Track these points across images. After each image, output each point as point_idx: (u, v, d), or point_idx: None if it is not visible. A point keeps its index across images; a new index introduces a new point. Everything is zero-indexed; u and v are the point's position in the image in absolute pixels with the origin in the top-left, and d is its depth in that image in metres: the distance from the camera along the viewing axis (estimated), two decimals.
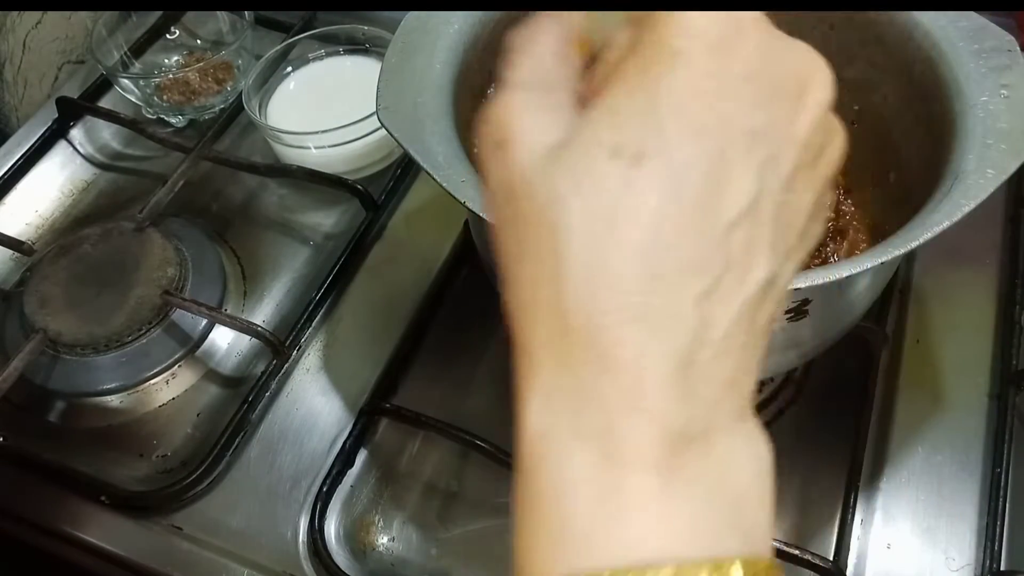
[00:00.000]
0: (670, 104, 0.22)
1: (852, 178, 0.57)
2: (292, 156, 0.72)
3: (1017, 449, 0.55)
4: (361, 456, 0.58)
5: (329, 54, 0.78)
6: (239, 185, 0.75)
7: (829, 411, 0.57)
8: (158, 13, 0.84)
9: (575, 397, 0.22)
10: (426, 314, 0.64)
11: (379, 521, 0.56)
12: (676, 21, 0.22)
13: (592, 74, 0.25)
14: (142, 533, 0.56)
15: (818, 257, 0.55)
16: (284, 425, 0.60)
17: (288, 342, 0.62)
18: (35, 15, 0.83)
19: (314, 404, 0.61)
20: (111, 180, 0.77)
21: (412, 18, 0.53)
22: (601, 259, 0.22)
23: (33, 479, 0.58)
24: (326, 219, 0.72)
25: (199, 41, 0.84)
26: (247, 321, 0.63)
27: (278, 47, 0.76)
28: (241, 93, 0.72)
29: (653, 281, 0.22)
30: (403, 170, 0.73)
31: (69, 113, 0.80)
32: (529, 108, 0.24)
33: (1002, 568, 0.51)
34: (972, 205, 0.41)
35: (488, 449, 0.56)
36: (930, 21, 0.50)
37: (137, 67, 0.82)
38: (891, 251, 0.40)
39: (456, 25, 0.54)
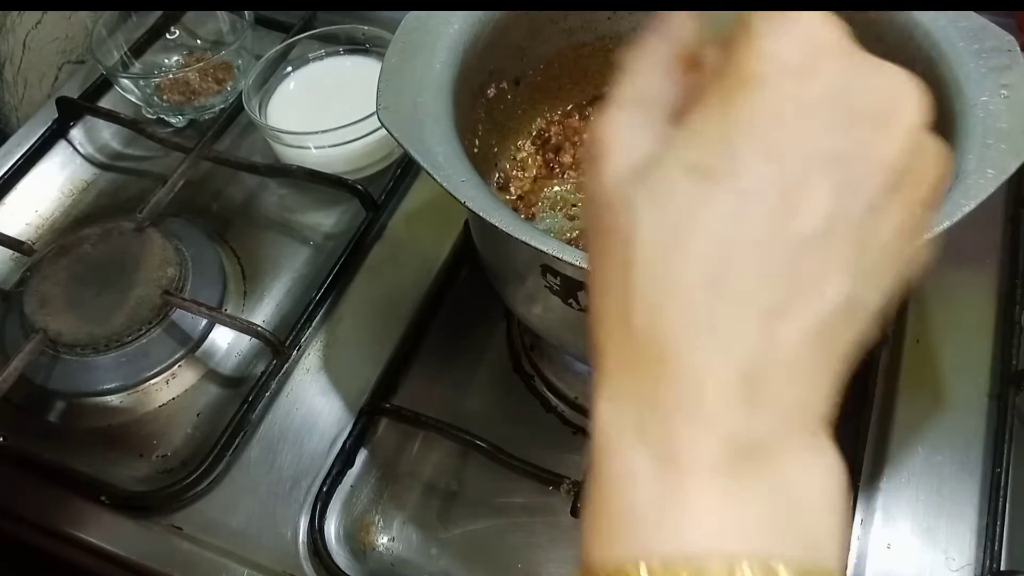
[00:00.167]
0: (745, 127, 0.23)
1: None
2: (292, 156, 0.72)
3: (1017, 449, 0.55)
4: (361, 456, 0.58)
5: (329, 54, 0.78)
6: (239, 185, 0.75)
7: None
8: (158, 13, 0.84)
9: (638, 401, 0.23)
10: (426, 314, 0.64)
11: (379, 521, 0.56)
12: (756, 46, 0.23)
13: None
14: (142, 533, 0.56)
15: None
16: (284, 425, 0.60)
17: (288, 342, 0.62)
18: (35, 15, 0.83)
19: (314, 404, 0.61)
20: (111, 180, 0.77)
21: (412, 18, 0.53)
22: (665, 269, 0.23)
23: (33, 479, 0.58)
24: (326, 219, 0.72)
25: (199, 41, 0.84)
26: (247, 321, 0.63)
27: (278, 47, 0.76)
28: (241, 93, 0.72)
29: (716, 294, 0.22)
30: (403, 170, 0.73)
31: (69, 113, 0.80)
32: (625, 126, 0.26)
33: (1002, 568, 0.51)
34: (972, 205, 0.41)
35: (488, 449, 0.56)
36: (930, 21, 0.50)
37: (137, 67, 0.82)
38: None
39: (456, 25, 0.54)
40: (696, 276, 0.22)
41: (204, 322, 0.64)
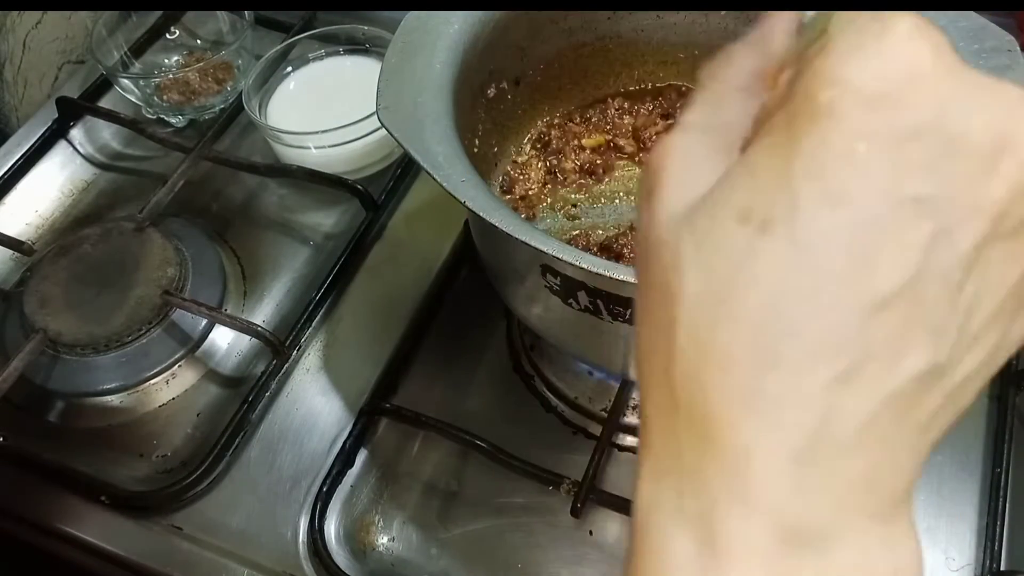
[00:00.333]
0: (808, 168, 0.19)
1: None
2: (292, 156, 0.72)
3: (1017, 449, 0.55)
4: (361, 456, 0.58)
5: (329, 54, 0.78)
6: (239, 185, 0.75)
7: None
8: (158, 13, 0.84)
9: (678, 477, 0.21)
10: (426, 314, 0.64)
11: (379, 521, 0.56)
12: (828, 66, 0.20)
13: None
14: (142, 533, 0.56)
15: None
16: (284, 425, 0.60)
17: (288, 342, 0.62)
18: (35, 15, 0.83)
19: (314, 404, 0.61)
20: (111, 180, 0.77)
21: (412, 18, 0.53)
22: (710, 333, 0.20)
23: (33, 479, 0.58)
24: (326, 219, 0.72)
25: (199, 41, 0.84)
26: (247, 321, 0.63)
27: (278, 47, 0.76)
28: (241, 93, 0.72)
29: (765, 362, 0.20)
30: (403, 170, 0.73)
31: (69, 113, 0.80)
32: (687, 155, 0.23)
33: (1002, 568, 0.51)
34: None
35: (488, 449, 0.56)
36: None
37: (137, 67, 0.82)
38: None
39: (456, 25, 0.54)
40: (742, 341, 0.20)
41: (204, 322, 0.64)
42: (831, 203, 0.19)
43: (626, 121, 0.66)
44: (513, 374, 0.62)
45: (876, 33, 0.19)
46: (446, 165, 0.46)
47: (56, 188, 0.76)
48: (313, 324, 0.65)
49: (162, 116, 0.79)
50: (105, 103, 0.81)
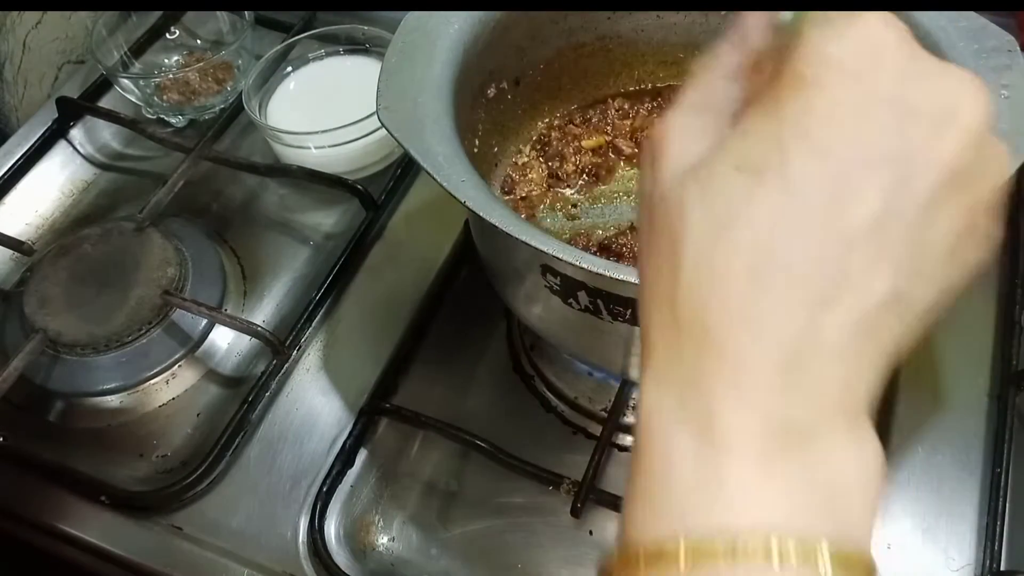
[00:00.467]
0: (795, 129, 0.23)
1: None
2: (292, 156, 0.72)
3: (1017, 449, 0.55)
4: (361, 456, 0.58)
5: (329, 54, 0.78)
6: (239, 185, 0.75)
7: None
8: (158, 13, 0.84)
9: (679, 382, 0.24)
10: (426, 314, 0.64)
11: (379, 521, 0.56)
12: (811, 49, 0.24)
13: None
14: (142, 533, 0.56)
15: None
16: (284, 425, 0.60)
17: (288, 342, 0.62)
18: (35, 15, 0.83)
19: (314, 404, 0.61)
20: (111, 180, 0.77)
21: (412, 18, 0.53)
22: (711, 259, 0.24)
23: (33, 479, 0.58)
24: (326, 219, 0.72)
25: (199, 41, 0.84)
26: (247, 321, 0.63)
27: (278, 47, 0.76)
28: (241, 93, 0.72)
29: (760, 283, 0.23)
30: (403, 170, 0.73)
31: (69, 113, 0.80)
32: (685, 129, 0.26)
33: (1002, 568, 0.51)
34: None
35: (488, 449, 0.56)
36: (930, 21, 0.50)
37: (137, 67, 0.82)
38: None
39: (456, 25, 0.54)
40: (740, 265, 0.23)
41: (204, 322, 0.64)
42: (814, 154, 0.23)
43: (626, 123, 0.66)
44: (513, 374, 0.62)
45: (852, 23, 0.24)
46: (446, 165, 0.46)
47: (56, 188, 0.76)
48: (313, 324, 0.65)
49: (162, 116, 0.79)
50: (105, 103, 0.81)
